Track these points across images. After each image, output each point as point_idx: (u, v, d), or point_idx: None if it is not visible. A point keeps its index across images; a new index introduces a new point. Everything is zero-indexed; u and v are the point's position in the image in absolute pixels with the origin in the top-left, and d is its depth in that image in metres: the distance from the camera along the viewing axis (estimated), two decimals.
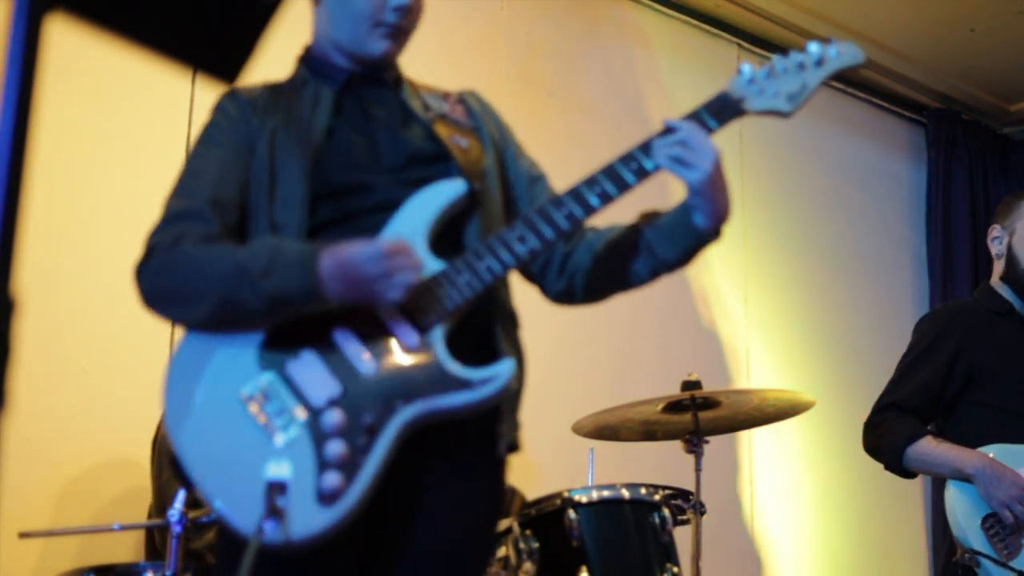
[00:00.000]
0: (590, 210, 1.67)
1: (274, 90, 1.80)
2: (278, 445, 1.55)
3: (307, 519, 1.51)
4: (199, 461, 1.57)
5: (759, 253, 4.58)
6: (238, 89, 1.77)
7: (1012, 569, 2.56)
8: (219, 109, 1.77)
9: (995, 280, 3.02)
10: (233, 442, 1.57)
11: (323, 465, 1.54)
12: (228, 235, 1.68)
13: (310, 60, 1.84)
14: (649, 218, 1.79)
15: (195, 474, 1.57)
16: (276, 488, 1.49)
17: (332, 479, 1.53)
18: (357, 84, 1.81)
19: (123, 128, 3.16)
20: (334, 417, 1.57)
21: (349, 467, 1.54)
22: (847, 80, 4.96)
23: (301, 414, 1.57)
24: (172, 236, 1.64)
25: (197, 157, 1.74)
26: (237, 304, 1.58)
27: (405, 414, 1.57)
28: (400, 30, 1.78)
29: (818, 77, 1.68)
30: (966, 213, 5.18)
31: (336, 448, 1.55)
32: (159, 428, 2.72)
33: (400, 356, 1.61)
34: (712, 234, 1.72)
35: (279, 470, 1.50)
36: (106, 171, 3.12)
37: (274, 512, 1.48)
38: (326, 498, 1.52)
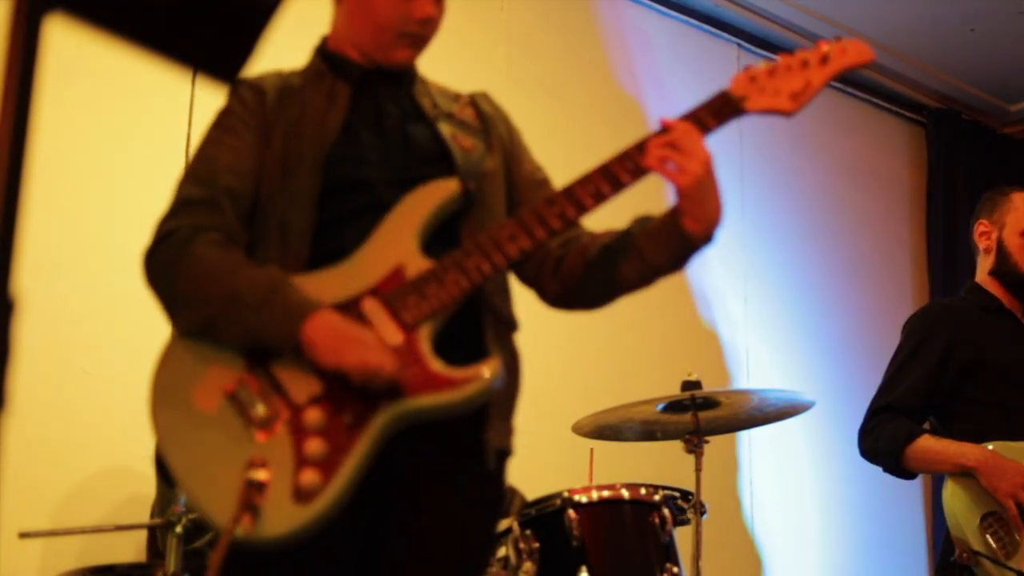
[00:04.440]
0: (583, 209, 1.63)
1: (290, 80, 1.79)
2: (258, 442, 1.55)
3: (282, 517, 1.50)
4: (180, 455, 1.57)
5: (759, 253, 4.58)
6: (255, 77, 1.76)
7: (1011, 568, 2.55)
8: (235, 95, 1.75)
9: (982, 277, 3.01)
10: (214, 437, 1.56)
11: (302, 463, 1.53)
12: (240, 226, 1.67)
13: (327, 53, 1.82)
14: (642, 222, 1.75)
15: (175, 468, 1.57)
16: (254, 485, 1.48)
17: (310, 477, 1.52)
18: (373, 81, 1.80)
19: (123, 128, 3.16)
20: (315, 415, 1.56)
21: (328, 465, 1.53)
22: (847, 80, 4.95)
23: (283, 411, 1.56)
24: (188, 227, 1.64)
25: (212, 143, 1.73)
26: (220, 327, 1.59)
27: (387, 413, 1.56)
28: (423, 40, 1.78)
29: (823, 76, 1.63)
30: (966, 213, 5.15)
31: (316, 446, 1.54)
32: None
33: None
34: (702, 239, 1.67)
35: (258, 467, 1.50)
36: (106, 171, 3.12)
37: (250, 509, 1.47)
38: (303, 496, 1.51)
